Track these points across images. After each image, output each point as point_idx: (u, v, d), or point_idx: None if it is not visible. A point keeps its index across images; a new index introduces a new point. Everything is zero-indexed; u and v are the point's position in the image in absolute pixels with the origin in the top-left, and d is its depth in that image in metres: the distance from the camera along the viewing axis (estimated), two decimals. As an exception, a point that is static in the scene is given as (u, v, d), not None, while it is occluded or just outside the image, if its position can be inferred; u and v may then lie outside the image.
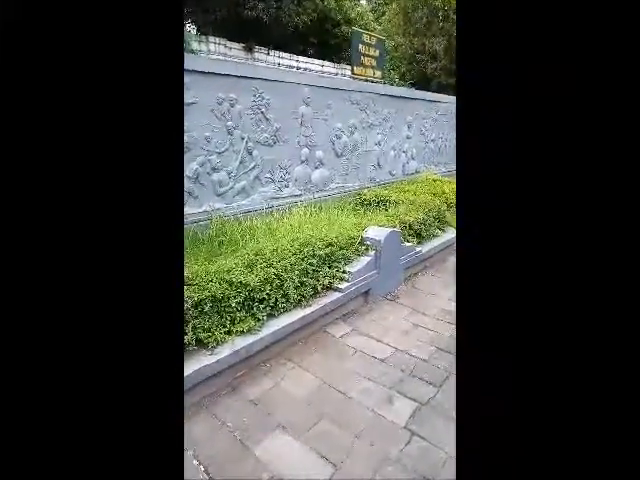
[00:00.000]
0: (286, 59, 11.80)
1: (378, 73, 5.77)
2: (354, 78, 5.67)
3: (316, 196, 4.92)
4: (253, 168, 4.11)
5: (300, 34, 12.37)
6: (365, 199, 5.05)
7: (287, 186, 4.55)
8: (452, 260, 4.27)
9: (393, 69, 11.50)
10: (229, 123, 3.76)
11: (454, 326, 2.85)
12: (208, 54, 9.38)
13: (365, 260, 3.06)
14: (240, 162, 3.96)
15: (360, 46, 5.34)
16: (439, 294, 3.39)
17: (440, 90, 8.78)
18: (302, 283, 2.61)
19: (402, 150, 6.47)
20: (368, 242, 3.16)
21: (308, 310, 2.58)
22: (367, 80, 5.67)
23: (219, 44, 10.08)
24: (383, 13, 12.76)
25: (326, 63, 12.44)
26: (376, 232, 3.21)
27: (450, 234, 4.49)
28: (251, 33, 10.47)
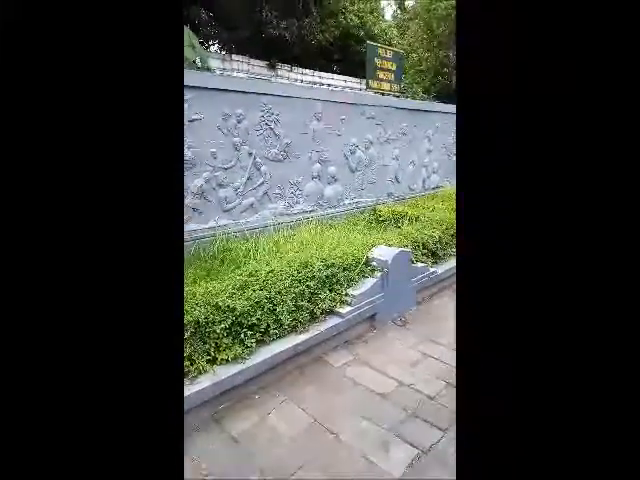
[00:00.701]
0: (308, 75, 11.89)
1: (395, 87, 5.61)
2: (372, 92, 5.54)
3: (329, 212, 4.77)
4: (262, 184, 4.02)
5: (323, 51, 12.47)
6: (380, 215, 4.84)
7: (298, 202, 4.42)
8: (471, 281, 3.98)
9: (417, 83, 11.31)
10: (236, 139, 3.69)
11: (468, 357, 2.58)
12: (232, 72, 9.58)
13: (370, 282, 2.85)
14: (248, 178, 3.88)
15: (375, 60, 5.22)
16: (454, 319, 3.10)
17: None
18: (298, 307, 2.43)
19: (422, 164, 6.24)
20: (374, 263, 2.95)
21: (303, 336, 2.39)
22: (383, 94, 5.52)
23: (242, 62, 10.29)
24: (407, 28, 12.67)
25: (349, 79, 12.44)
26: (383, 252, 3.00)
27: (470, 253, 4.20)
28: (274, 51, 10.64)
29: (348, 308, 2.67)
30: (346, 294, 2.74)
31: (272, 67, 10.84)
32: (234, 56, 10.10)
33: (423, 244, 3.57)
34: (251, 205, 3.98)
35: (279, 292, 2.37)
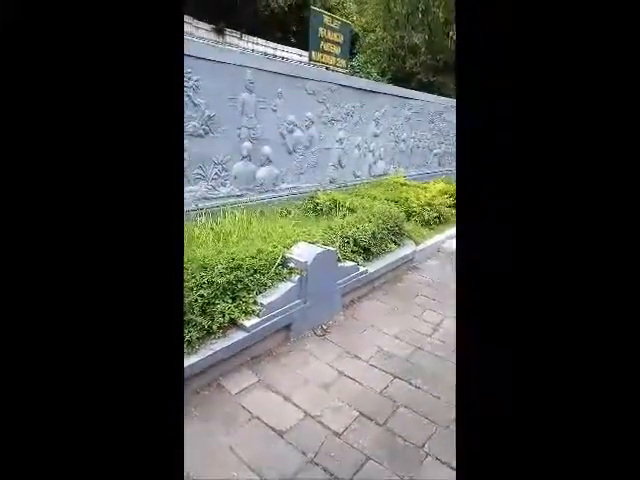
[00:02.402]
0: (261, 45, 10.95)
1: (342, 62, 5.07)
2: (316, 65, 4.96)
3: (262, 197, 4.21)
4: (177, 162, 3.37)
5: (279, 21, 11.51)
6: (318, 203, 4.37)
7: (224, 184, 3.83)
8: (407, 280, 3.64)
9: (373, 63, 10.77)
10: (142, 106, 3.00)
11: (390, 377, 2.22)
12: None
13: (286, 287, 2.39)
14: (159, 154, 3.22)
15: (320, 29, 4.62)
16: (382, 326, 2.75)
17: (420, 89, 8.12)
18: (186, 323, 1.92)
19: (368, 149, 5.80)
20: (292, 264, 2.49)
21: (192, 359, 1.89)
22: (328, 68, 4.96)
23: (185, 22, 9.15)
24: (367, 4, 11.98)
25: (306, 53, 11.64)
26: (303, 251, 2.54)
27: (408, 249, 3.86)
28: (222, 15, 9.57)
29: (255, 320, 2.20)
30: (254, 302, 2.26)
31: (220, 32, 9.80)
32: (175, 15, 8.95)
33: (355, 239, 3.16)
34: (164, 186, 3.34)
35: (160, 304, 1.84)
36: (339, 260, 2.89)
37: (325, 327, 2.67)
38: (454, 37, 10.11)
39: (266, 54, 10.73)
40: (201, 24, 9.46)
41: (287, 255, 2.51)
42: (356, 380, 2.18)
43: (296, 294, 2.45)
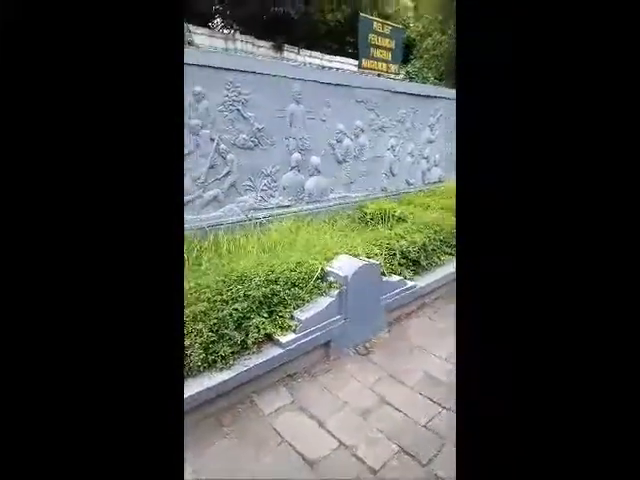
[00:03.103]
0: (317, 58, 11.07)
1: (394, 67, 4.86)
2: (366, 73, 4.81)
3: (310, 207, 4.15)
4: (227, 174, 3.43)
5: (334, 32, 11.57)
6: (367, 213, 4.20)
7: (273, 195, 3.82)
8: (462, 296, 3.32)
9: (430, 68, 10.34)
10: (193, 121, 3.10)
11: (437, 407, 1.97)
12: (235, 52, 8.89)
13: (325, 302, 2.25)
14: (210, 167, 3.29)
15: (370, 36, 4.46)
16: (431, 348, 2.49)
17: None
18: (221, 337, 1.87)
19: (422, 156, 5.50)
20: (331, 278, 2.35)
21: (222, 375, 1.83)
22: (380, 75, 4.79)
23: (247, 42, 9.56)
24: (423, 10, 11.59)
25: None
26: (344, 264, 2.39)
27: (463, 262, 3.53)
28: (279, 31, 9.84)
29: (291, 335, 2.09)
30: (291, 317, 2.15)
31: (278, 48, 10.08)
32: (237, 35, 9.39)
33: (402, 252, 2.93)
34: (214, 198, 3.40)
35: (194, 318, 1.81)
36: (384, 274, 2.69)
37: (368, 346, 2.48)
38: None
39: (322, 66, 10.83)
40: (261, 42, 9.81)
41: (327, 268, 2.38)
42: (398, 408, 1.97)
43: (336, 310, 2.30)
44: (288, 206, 3.95)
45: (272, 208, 3.82)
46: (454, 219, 3.81)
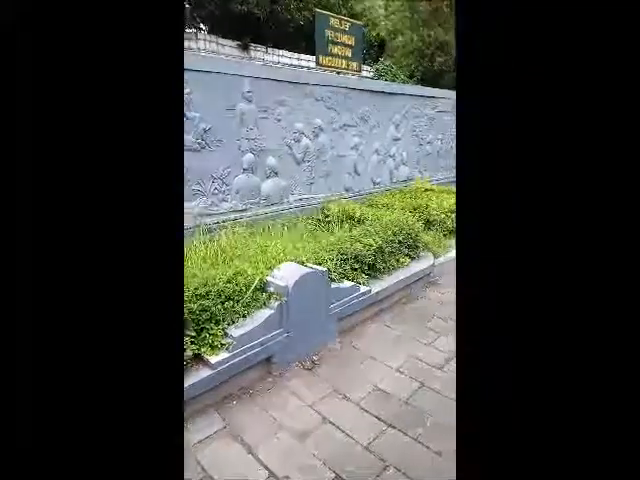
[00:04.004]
0: (286, 57, 10.90)
1: (355, 64, 4.74)
2: (324, 70, 4.67)
3: (268, 211, 3.97)
4: (173, 179, 3.21)
5: (303, 31, 11.45)
6: (328, 215, 4.05)
7: (225, 199, 3.63)
8: (422, 298, 3.20)
9: (401, 66, 10.31)
10: (129, 123, 2.87)
11: (383, 425, 1.83)
12: (198, 52, 8.63)
13: (263, 315, 2.09)
14: (152, 172, 3.08)
15: (328, 32, 4.33)
16: (383, 358, 2.35)
17: (451, 87, 7.58)
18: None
19: (388, 154, 5.40)
20: (271, 288, 2.18)
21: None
22: (339, 73, 4.66)
23: (210, 41, 9.31)
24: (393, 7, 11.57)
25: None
26: (286, 273, 2.23)
27: (424, 262, 3.42)
28: (246, 30, 9.63)
29: (224, 355, 1.91)
30: (225, 334, 1.98)
31: (244, 48, 9.86)
32: (201, 35, 9.13)
33: (356, 256, 2.79)
34: (159, 204, 3.19)
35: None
36: (334, 280, 2.54)
37: (315, 359, 2.32)
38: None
39: (292, 65, 10.67)
40: (226, 41, 9.57)
41: (267, 278, 2.21)
42: (341, 428, 1.81)
43: (276, 323, 2.13)
44: (243, 210, 3.77)
45: (225, 213, 3.63)
46: (414, 219, 3.71)
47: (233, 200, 3.68)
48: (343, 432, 1.79)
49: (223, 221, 3.57)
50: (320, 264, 2.54)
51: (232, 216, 3.67)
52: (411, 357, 2.37)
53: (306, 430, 1.81)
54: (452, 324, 2.75)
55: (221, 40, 9.42)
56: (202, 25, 9.71)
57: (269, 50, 10.50)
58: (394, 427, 1.82)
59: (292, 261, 2.42)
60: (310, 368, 2.25)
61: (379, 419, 1.87)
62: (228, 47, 9.66)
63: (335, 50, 4.46)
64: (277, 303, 2.12)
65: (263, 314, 2.09)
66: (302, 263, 2.42)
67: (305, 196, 4.35)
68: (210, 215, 3.52)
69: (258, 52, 10.22)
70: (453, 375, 2.19)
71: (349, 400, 2.01)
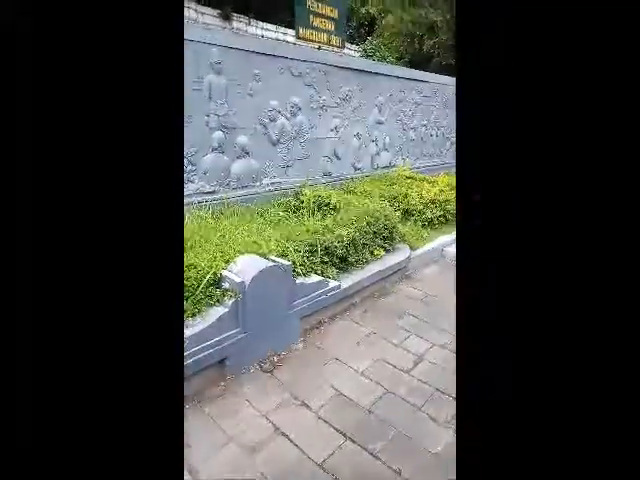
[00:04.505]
0: (272, 31, 10.34)
1: (337, 40, 4.41)
2: (300, 44, 4.34)
3: (239, 194, 3.70)
4: (130, 156, 2.90)
5: (292, 4, 10.86)
6: (303, 201, 3.81)
7: (191, 180, 3.34)
8: (395, 294, 3.04)
9: (389, 47, 9.91)
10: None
11: (341, 437, 1.67)
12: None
13: (215, 314, 1.87)
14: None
15: (309, 1, 3.98)
16: (349, 359, 2.18)
17: (440, 72, 7.30)
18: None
19: (371, 139, 5.15)
20: (226, 284, 1.96)
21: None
22: (320, 47, 4.34)
23: (188, 8, 8.68)
24: (385, -17, 11.03)
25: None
26: (245, 266, 2.00)
27: (400, 255, 3.24)
28: (228, -2, 9.01)
29: (167, 358, 1.69)
30: (169, 335, 1.75)
31: (226, 18, 9.26)
32: (179, 0, 8.48)
33: (326, 248, 2.58)
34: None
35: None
36: (299, 274, 2.33)
37: (276, 360, 2.13)
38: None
39: (278, 39, 10.13)
40: (206, 9, 8.96)
41: (223, 272, 1.98)
42: (295, 442, 1.64)
43: (232, 322, 1.92)
44: (211, 193, 3.49)
45: (190, 195, 3.34)
46: (391, 208, 3.51)
47: (200, 181, 3.40)
48: (297, 446, 1.62)
49: (190, 203, 3.30)
50: (286, 256, 2.33)
51: (199, 198, 3.39)
52: (378, 359, 2.20)
53: (257, 444, 1.62)
54: (424, 324, 2.60)
55: (200, 8, 8.80)
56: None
57: (252, 22, 9.92)
58: (353, 441, 1.66)
59: (254, 253, 2.19)
60: (269, 371, 2.06)
61: (338, 431, 1.71)
62: (208, 16, 9.05)
63: (316, 22, 4.12)
64: (232, 301, 1.90)
65: (216, 312, 1.87)
66: (264, 255, 2.19)
67: (280, 180, 4.08)
68: (173, 197, 3.23)
69: (241, 23, 9.63)
70: (420, 380, 2.04)
71: (308, 408, 1.83)
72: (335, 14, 4.29)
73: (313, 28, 4.10)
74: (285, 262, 2.16)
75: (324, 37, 4.24)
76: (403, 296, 2.98)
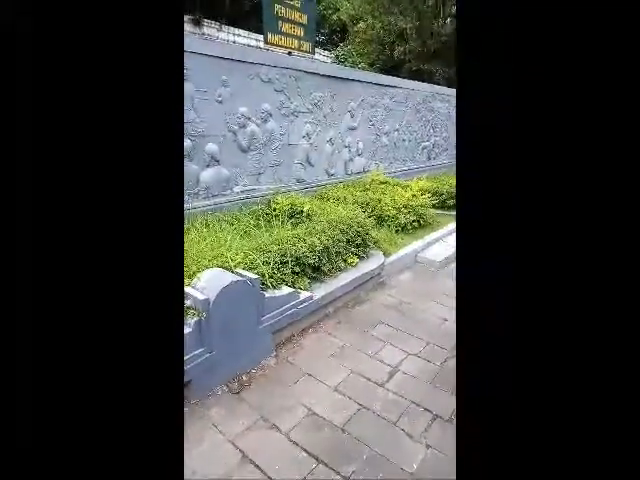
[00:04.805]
0: (243, 37, 10.21)
1: (307, 45, 4.35)
2: (269, 50, 4.26)
3: (208, 203, 3.56)
4: (89, 166, 2.72)
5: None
6: (276, 208, 3.71)
7: (157, 190, 3.17)
8: (369, 302, 2.97)
9: (360, 54, 9.97)
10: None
11: (313, 461, 1.57)
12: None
13: (178, 335, 1.74)
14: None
15: (276, 6, 3.90)
16: (322, 374, 2.09)
17: (411, 77, 7.36)
18: None
19: (344, 144, 5.10)
20: (189, 301, 1.83)
21: None
22: (290, 53, 4.26)
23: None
24: (356, -9, 11.12)
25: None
26: (209, 282, 1.89)
27: (373, 262, 3.19)
28: (199, 5, 8.85)
29: (123, 386, 1.55)
30: (126, 360, 1.61)
31: (197, 23, 9.09)
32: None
33: (297, 258, 2.49)
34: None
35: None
36: (270, 287, 2.23)
37: (245, 379, 2.02)
38: (443, 21, 9.27)
39: (249, 45, 10.01)
40: (175, 15, 8.75)
41: (186, 289, 1.86)
42: (263, 469, 1.53)
43: (196, 342, 1.80)
44: (179, 202, 3.33)
45: (157, 205, 3.18)
46: (364, 215, 3.46)
47: (166, 191, 3.24)
48: (265, 475, 1.51)
49: (154, 214, 3.13)
50: (255, 268, 2.22)
51: (166, 209, 3.23)
52: (352, 372, 2.13)
53: (222, 474, 1.51)
54: (398, 332, 2.54)
55: (170, 12, 8.58)
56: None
57: (223, 27, 9.78)
58: (325, 464, 1.57)
59: (220, 266, 2.07)
60: (237, 391, 1.94)
61: (309, 454, 1.61)
62: (178, 21, 8.83)
63: (285, 28, 4.04)
64: (194, 320, 1.77)
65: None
66: (231, 269, 2.08)
67: (251, 187, 3.97)
68: (138, 208, 3.07)
69: (212, 29, 9.48)
70: (395, 393, 1.97)
71: (277, 430, 1.73)
72: (304, 20, 4.23)
73: (282, 34, 4.02)
74: (252, 275, 2.05)
75: (294, 43, 4.17)
76: (377, 304, 2.92)
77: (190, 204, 3.40)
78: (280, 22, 3.96)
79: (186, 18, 8.96)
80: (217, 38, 9.46)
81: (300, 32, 4.19)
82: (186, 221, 3.21)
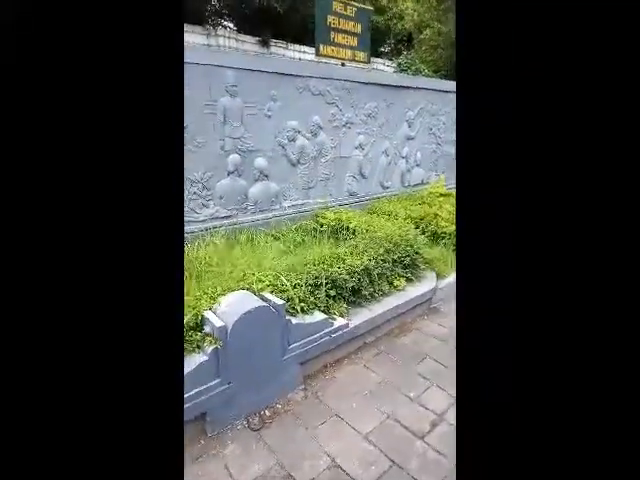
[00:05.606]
0: (309, 54, 10.35)
1: (362, 55, 4.13)
2: (327, 61, 4.11)
3: (257, 218, 3.50)
4: (143, 183, 2.80)
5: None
6: (323, 224, 3.52)
7: (206, 205, 3.19)
8: (416, 331, 2.61)
9: (426, 61, 9.47)
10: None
11: (327, 528, 1.31)
12: (217, 49, 8.26)
13: (193, 362, 1.61)
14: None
15: (329, 18, 3.75)
16: (353, 416, 1.82)
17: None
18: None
19: (400, 155, 4.76)
20: (208, 327, 1.70)
21: None
22: (344, 64, 4.07)
23: (229, 37, 8.92)
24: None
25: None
26: (230, 307, 1.73)
27: (425, 286, 2.82)
28: (265, 25, 9.16)
29: (132, 416, 1.45)
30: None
31: (264, 44, 9.41)
32: (219, 31, 8.75)
33: (333, 280, 2.25)
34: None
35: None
36: (300, 312, 2.02)
37: (268, 414, 1.82)
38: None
39: (312, 61, 10.12)
40: (246, 37, 9.16)
41: (205, 313, 1.73)
42: (268, 531, 1.31)
43: (212, 371, 1.65)
44: (227, 217, 3.31)
45: (205, 220, 3.19)
46: (414, 232, 3.10)
47: (216, 206, 3.24)
48: (271, 538, 1.29)
49: (205, 229, 3.14)
50: (285, 291, 2.04)
51: (214, 223, 3.23)
52: (388, 418, 1.82)
53: (224, 530, 1.32)
54: (447, 370, 2.16)
55: (241, 36, 9.01)
56: (225, 21, 9.32)
57: (289, 46, 9.99)
58: (341, 536, 1.30)
59: (246, 289, 1.92)
60: (257, 428, 1.75)
61: (325, 519, 1.35)
62: (248, 43, 9.24)
63: (338, 39, 3.87)
64: (211, 348, 1.63)
65: (194, 361, 1.61)
66: (257, 292, 1.92)
67: (301, 201, 3.83)
68: (188, 223, 3.10)
69: (279, 48, 9.74)
70: (437, 452, 1.62)
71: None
72: (359, 29, 4.02)
73: (334, 44, 3.86)
74: (278, 300, 1.86)
75: (347, 53, 3.98)
76: (426, 334, 2.55)
77: (237, 218, 3.37)
78: (332, 33, 3.81)
79: (254, 40, 9.34)
80: (284, 56, 9.69)
81: (354, 42, 3.99)
82: (231, 236, 3.17)
